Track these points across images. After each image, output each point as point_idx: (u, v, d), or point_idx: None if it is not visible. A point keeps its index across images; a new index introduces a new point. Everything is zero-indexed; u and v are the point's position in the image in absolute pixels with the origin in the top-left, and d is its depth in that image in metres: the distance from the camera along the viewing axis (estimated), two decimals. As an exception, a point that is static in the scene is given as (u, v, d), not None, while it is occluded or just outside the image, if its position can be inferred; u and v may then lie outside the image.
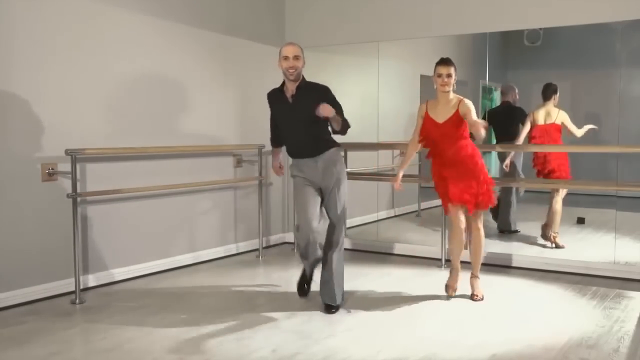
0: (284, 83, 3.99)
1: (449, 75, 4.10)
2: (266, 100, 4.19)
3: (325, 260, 4.02)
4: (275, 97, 4.07)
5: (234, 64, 5.74)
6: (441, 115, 4.17)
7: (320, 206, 4.00)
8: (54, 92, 4.31)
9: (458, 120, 4.13)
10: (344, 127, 3.93)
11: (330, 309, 3.99)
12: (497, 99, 6.31)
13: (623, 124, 5.12)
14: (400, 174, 4.36)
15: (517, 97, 6.13)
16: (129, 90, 4.82)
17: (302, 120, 3.91)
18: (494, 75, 5.93)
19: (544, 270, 5.05)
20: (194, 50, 5.36)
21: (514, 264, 5.23)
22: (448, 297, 4.32)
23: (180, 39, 5.23)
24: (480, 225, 4.32)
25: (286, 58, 3.85)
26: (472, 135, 4.17)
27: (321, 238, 3.92)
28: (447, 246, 5.38)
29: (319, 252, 3.96)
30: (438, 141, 4.21)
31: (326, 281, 4.03)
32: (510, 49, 6.29)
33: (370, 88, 5.99)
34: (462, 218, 4.23)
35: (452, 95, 4.17)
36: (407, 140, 4.56)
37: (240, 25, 5.79)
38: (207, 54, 5.49)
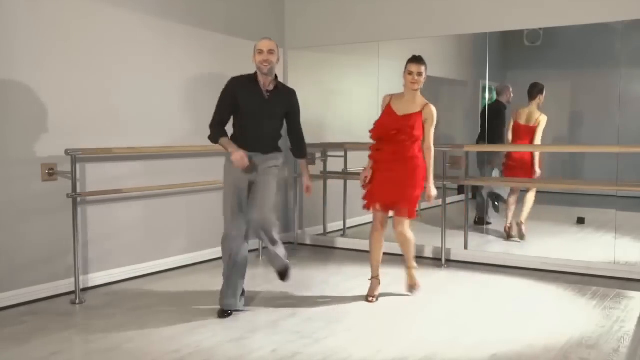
0: (256, 75, 3.95)
1: (420, 74, 4.10)
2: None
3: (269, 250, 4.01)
4: (245, 85, 3.93)
5: (234, 64, 5.72)
6: (402, 109, 4.16)
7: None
8: (54, 92, 4.31)
9: (417, 120, 4.11)
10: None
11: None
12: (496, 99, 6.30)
13: (623, 124, 5.12)
14: None
15: (511, 96, 6.15)
16: (129, 90, 4.82)
17: (273, 118, 3.97)
18: (494, 75, 5.93)
19: (544, 270, 5.05)
20: (194, 50, 5.36)
21: (514, 264, 5.23)
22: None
23: (180, 39, 5.23)
24: (404, 230, 4.23)
25: (261, 52, 3.85)
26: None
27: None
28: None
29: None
30: (388, 136, 4.12)
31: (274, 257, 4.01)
32: (510, 49, 6.29)
33: (370, 88, 5.99)
34: (383, 221, 4.27)
35: (419, 95, 4.17)
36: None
37: (240, 25, 5.79)
38: (207, 54, 5.49)
